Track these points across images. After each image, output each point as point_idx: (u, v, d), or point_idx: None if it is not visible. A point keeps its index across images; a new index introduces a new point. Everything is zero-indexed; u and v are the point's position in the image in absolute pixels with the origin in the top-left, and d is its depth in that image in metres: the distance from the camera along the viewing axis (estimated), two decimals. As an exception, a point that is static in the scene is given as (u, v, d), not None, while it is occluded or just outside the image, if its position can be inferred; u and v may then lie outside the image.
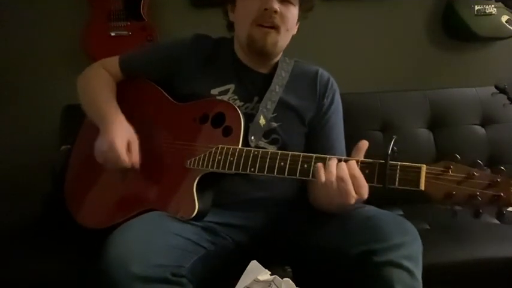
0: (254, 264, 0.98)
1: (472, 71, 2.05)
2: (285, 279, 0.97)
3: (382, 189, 0.90)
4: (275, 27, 1.15)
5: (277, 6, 1.13)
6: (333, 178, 0.92)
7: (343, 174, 0.92)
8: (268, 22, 1.14)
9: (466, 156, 1.86)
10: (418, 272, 0.97)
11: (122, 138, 1.11)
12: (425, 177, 0.87)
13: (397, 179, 0.89)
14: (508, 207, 0.83)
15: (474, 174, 0.85)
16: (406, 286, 0.94)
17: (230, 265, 1.08)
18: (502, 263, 1.28)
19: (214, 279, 1.09)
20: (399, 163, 0.89)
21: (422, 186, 0.87)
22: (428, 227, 1.47)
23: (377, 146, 1.74)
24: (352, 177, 0.91)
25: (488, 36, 1.96)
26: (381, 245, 0.96)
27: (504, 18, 1.94)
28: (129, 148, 1.12)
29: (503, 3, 1.94)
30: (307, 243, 1.12)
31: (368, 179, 0.92)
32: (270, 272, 0.97)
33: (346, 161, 0.94)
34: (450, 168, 0.86)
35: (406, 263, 0.95)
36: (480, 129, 1.80)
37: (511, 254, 1.28)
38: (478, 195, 0.84)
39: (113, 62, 1.32)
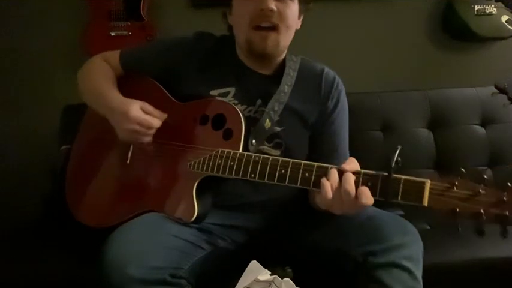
0: (254, 264, 0.98)
1: (472, 71, 2.05)
2: (285, 279, 0.97)
3: (384, 203, 0.87)
4: (274, 27, 1.11)
5: (273, 4, 1.08)
6: (335, 191, 0.88)
7: (349, 189, 0.87)
8: (265, 22, 1.10)
9: (466, 156, 1.86)
10: (419, 273, 0.97)
11: (133, 107, 1.09)
12: (429, 193, 0.83)
13: (400, 194, 0.85)
14: None
15: (480, 192, 0.81)
16: (407, 287, 0.94)
17: (230, 265, 1.08)
18: (502, 263, 1.28)
19: (213, 280, 1.09)
20: (403, 177, 0.85)
21: (425, 202, 0.83)
22: (428, 227, 1.47)
23: (377, 146, 1.77)
24: (359, 192, 0.87)
25: (488, 36, 1.96)
26: (381, 246, 0.96)
27: (504, 18, 1.94)
28: (145, 111, 1.10)
29: (503, 3, 1.94)
30: (307, 243, 1.12)
31: (370, 192, 0.87)
32: (270, 272, 0.97)
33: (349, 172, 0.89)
34: (455, 184, 0.82)
35: (406, 264, 0.95)
36: (480, 129, 1.80)
37: (511, 254, 1.29)
38: (482, 213, 0.80)
39: (113, 56, 1.30)
